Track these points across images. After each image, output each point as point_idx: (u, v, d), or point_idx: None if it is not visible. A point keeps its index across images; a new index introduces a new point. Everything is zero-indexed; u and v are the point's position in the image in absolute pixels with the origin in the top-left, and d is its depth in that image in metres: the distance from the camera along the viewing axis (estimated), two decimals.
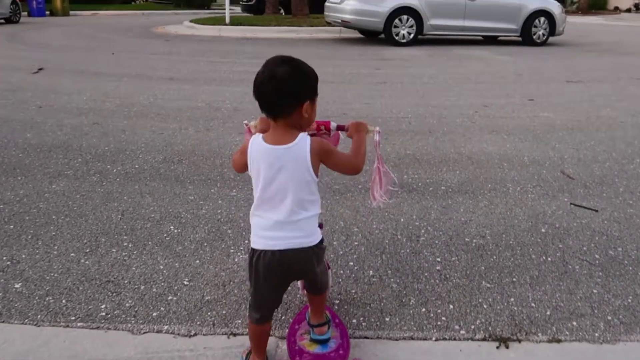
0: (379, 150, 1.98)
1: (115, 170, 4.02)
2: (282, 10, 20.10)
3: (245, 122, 1.99)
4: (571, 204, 3.52)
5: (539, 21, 12.84)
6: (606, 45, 13.64)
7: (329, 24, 14.25)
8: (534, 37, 12.90)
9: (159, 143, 4.71)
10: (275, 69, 1.69)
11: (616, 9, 32.70)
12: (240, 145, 1.83)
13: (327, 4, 13.61)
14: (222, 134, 5.06)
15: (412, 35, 12.34)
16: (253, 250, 1.78)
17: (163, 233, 3.02)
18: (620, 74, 9.03)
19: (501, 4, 12.61)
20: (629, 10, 31.57)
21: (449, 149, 4.65)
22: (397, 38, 12.31)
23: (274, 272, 1.78)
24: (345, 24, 12.86)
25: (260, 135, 1.76)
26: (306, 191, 1.75)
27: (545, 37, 12.99)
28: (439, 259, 2.79)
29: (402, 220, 3.25)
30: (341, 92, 7.11)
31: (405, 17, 12.20)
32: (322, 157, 1.76)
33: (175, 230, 3.06)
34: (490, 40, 13.68)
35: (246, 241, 2.89)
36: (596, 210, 3.41)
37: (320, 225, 1.86)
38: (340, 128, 2.01)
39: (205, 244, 2.90)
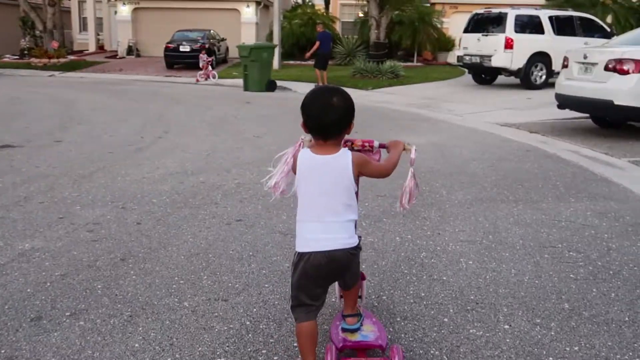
0: (413, 166, 2.23)
1: None
2: None
3: (302, 137, 2.17)
4: None
5: None
6: None
7: None
8: None
9: None
10: (330, 99, 2.03)
11: None
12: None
13: None
14: None
15: None
16: (300, 254, 2.02)
17: None
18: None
19: None
20: None
21: None
22: None
23: (322, 271, 2.00)
24: None
25: (308, 149, 2.08)
26: (347, 196, 2.05)
27: None
28: None
29: None
30: None
31: None
32: (360, 168, 2.07)
33: None
34: None
35: None
36: None
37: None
38: (382, 146, 2.31)
39: None
